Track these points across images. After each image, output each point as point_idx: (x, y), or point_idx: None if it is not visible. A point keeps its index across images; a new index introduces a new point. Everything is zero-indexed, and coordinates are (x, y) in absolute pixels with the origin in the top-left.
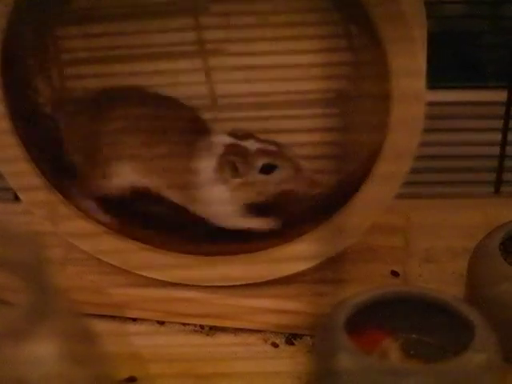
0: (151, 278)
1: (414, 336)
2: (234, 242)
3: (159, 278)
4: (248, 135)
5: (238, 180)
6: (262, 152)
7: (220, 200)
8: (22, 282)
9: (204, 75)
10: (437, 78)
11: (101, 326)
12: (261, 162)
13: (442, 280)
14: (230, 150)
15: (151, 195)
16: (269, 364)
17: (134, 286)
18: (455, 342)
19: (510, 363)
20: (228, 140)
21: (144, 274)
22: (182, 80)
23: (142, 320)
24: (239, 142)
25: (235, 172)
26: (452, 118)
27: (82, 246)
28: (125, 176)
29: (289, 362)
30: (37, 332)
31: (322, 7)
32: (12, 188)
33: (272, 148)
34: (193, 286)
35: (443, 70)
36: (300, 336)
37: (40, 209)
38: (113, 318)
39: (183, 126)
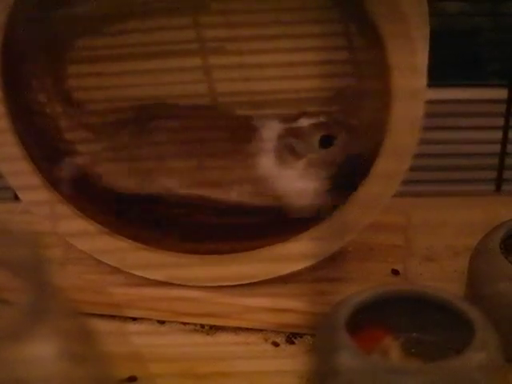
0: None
1: (414, 335)
2: (233, 241)
3: (158, 278)
4: (297, 115)
5: (301, 161)
6: (315, 126)
7: (292, 186)
8: (21, 281)
9: (204, 73)
10: (437, 75)
11: (101, 325)
12: (317, 136)
13: (442, 278)
14: (284, 134)
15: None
16: (269, 363)
17: (133, 285)
18: (456, 341)
19: (511, 362)
20: (279, 126)
21: (142, 274)
22: (183, 78)
23: (142, 319)
24: (291, 125)
25: (296, 154)
26: (452, 116)
27: (81, 246)
28: (172, 189)
29: (289, 361)
30: (36, 332)
31: (322, 5)
32: (12, 187)
33: (324, 119)
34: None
35: (443, 67)
36: (300, 335)
37: (40, 208)
38: (113, 317)
39: (231, 131)
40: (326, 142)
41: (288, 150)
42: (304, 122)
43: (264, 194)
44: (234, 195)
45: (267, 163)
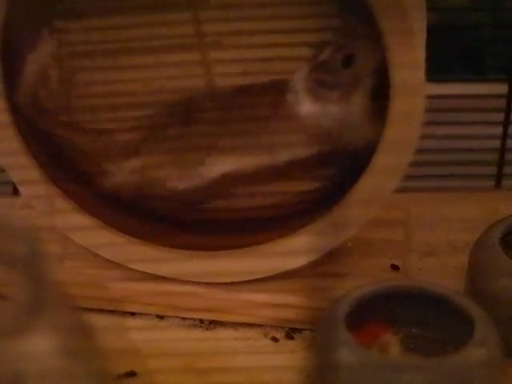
0: (149, 272)
1: (414, 330)
2: (233, 236)
3: (157, 273)
4: (320, 49)
5: (334, 92)
6: (335, 51)
7: (336, 120)
8: (19, 276)
9: (203, 68)
10: (437, 70)
11: (99, 320)
12: (339, 60)
13: (442, 274)
14: (311, 72)
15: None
16: (268, 358)
17: (132, 280)
18: (455, 337)
19: (511, 358)
20: (306, 69)
21: (142, 269)
22: (181, 73)
23: (141, 314)
24: (314, 61)
25: (326, 86)
26: (452, 111)
27: (80, 241)
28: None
29: (289, 356)
30: (34, 327)
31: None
32: (11, 181)
33: (342, 41)
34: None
35: (444, 62)
36: (300, 330)
37: (39, 203)
38: (111, 312)
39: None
40: (348, 60)
41: (318, 85)
42: (324, 55)
43: (312, 138)
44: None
45: (306, 106)
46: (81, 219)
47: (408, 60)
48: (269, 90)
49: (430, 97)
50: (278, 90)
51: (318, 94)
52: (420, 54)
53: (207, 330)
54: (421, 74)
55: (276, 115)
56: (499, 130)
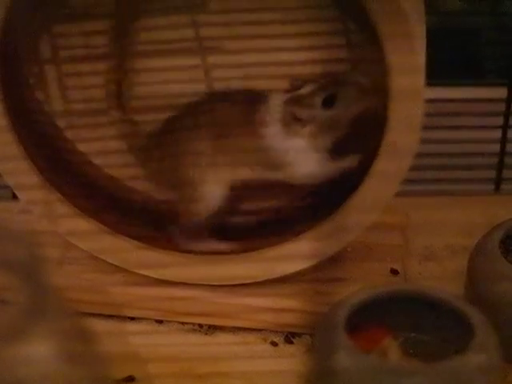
0: (149, 277)
1: (413, 335)
2: (234, 241)
3: (157, 276)
4: (301, 84)
5: (308, 127)
6: (317, 89)
7: (300, 153)
8: (18, 280)
9: (202, 72)
10: (436, 74)
11: (99, 325)
12: (319, 98)
13: (441, 278)
14: (288, 103)
15: None
16: (268, 363)
17: (132, 284)
18: (455, 341)
19: (510, 363)
20: (283, 97)
21: (142, 272)
22: (179, 77)
23: (141, 319)
24: (294, 93)
25: (301, 121)
26: (452, 115)
27: (80, 245)
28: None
29: (288, 360)
30: (34, 331)
31: (320, 4)
32: (10, 186)
33: (324, 81)
34: (191, 284)
35: (443, 66)
36: (299, 335)
37: (38, 207)
38: (111, 317)
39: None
40: (328, 101)
41: (292, 117)
42: (305, 90)
43: (272, 166)
44: (245, 173)
45: (274, 133)
46: (81, 223)
47: (407, 65)
48: (243, 101)
49: (430, 101)
50: (252, 103)
51: (288, 126)
52: (420, 58)
53: (206, 334)
54: (421, 78)
55: (244, 129)
56: (498, 134)
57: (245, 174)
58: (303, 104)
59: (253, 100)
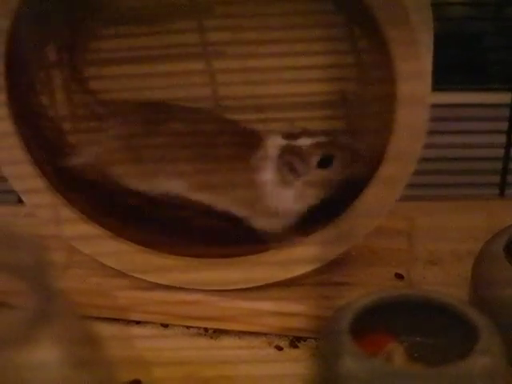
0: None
1: (418, 339)
2: (237, 245)
3: (162, 282)
4: (300, 133)
5: (299, 181)
6: (316, 146)
7: (285, 205)
8: (25, 285)
9: (208, 77)
10: (440, 80)
11: (104, 329)
12: (317, 156)
13: (446, 283)
14: (285, 151)
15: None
16: (273, 367)
17: (137, 288)
18: (460, 345)
19: None
20: (281, 142)
21: (147, 278)
22: (185, 82)
23: (146, 323)
24: (293, 142)
25: (295, 173)
26: (456, 120)
27: (85, 250)
28: (172, 189)
29: (293, 365)
30: (40, 336)
31: (326, 9)
32: (15, 190)
33: (324, 139)
34: (196, 288)
35: (447, 71)
36: (304, 339)
37: (43, 211)
38: (116, 320)
39: (233, 139)
40: (324, 162)
41: (287, 167)
42: (304, 142)
43: (257, 208)
44: (229, 203)
45: (266, 179)
46: (86, 228)
47: (413, 71)
48: (243, 137)
49: (434, 106)
50: (250, 141)
51: (282, 175)
52: (426, 65)
53: (211, 338)
54: (426, 85)
55: (237, 158)
56: (503, 139)
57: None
58: (300, 157)
59: (251, 137)
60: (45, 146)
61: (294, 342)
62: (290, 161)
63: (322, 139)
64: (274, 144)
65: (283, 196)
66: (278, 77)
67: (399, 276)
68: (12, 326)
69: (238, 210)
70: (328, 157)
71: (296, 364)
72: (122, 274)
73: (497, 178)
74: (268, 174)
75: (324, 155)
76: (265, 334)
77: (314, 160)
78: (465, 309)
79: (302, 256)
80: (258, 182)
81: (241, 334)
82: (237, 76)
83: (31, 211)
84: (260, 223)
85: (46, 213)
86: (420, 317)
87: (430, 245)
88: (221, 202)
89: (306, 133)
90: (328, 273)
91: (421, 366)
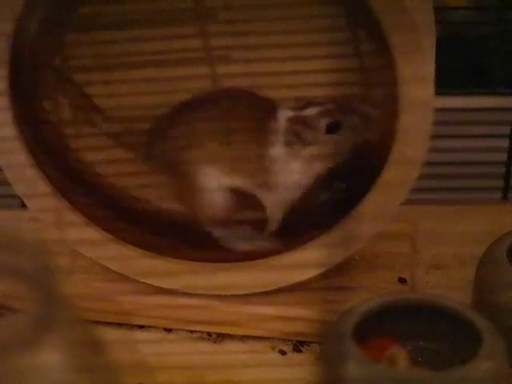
0: (158, 285)
1: (421, 343)
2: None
3: (166, 286)
4: (307, 104)
5: (308, 149)
6: (323, 113)
7: (295, 176)
8: (28, 289)
9: (211, 82)
10: (443, 84)
11: (108, 333)
12: (324, 122)
13: (449, 287)
14: (293, 122)
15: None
16: (276, 371)
17: (141, 293)
18: (463, 349)
19: None
20: (289, 114)
21: (150, 282)
22: (188, 87)
23: (149, 327)
24: (300, 113)
25: (302, 141)
26: (459, 124)
27: (88, 254)
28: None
29: (296, 369)
30: (44, 340)
31: (330, 13)
32: (19, 195)
33: (332, 106)
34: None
35: (450, 75)
36: (308, 343)
37: (47, 216)
38: (120, 325)
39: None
40: (332, 127)
41: (295, 136)
42: (311, 111)
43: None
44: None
45: (277, 154)
46: (89, 232)
47: (417, 75)
48: (254, 106)
49: (437, 110)
50: (262, 113)
51: (290, 145)
52: (429, 69)
53: (215, 342)
54: (430, 89)
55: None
56: (506, 143)
57: (236, 182)
58: (308, 125)
59: (263, 108)
60: (48, 151)
61: (298, 346)
62: (297, 130)
63: (329, 106)
64: (285, 117)
65: (292, 168)
66: (282, 81)
67: (402, 280)
68: (16, 331)
69: (248, 186)
70: (336, 122)
71: (299, 368)
72: (125, 279)
73: (500, 182)
74: (277, 148)
75: (331, 120)
76: (268, 339)
77: (322, 125)
78: (468, 313)
79: (306, 261)
80: (268, 156)
81: (244, 338)
82: (240, 81)
83: (34, 215)
84: (269, 199)
85: (49, 217)
86: (423, 321)
87: (433, 249)
88: (231, 177)
89: (312, 103)
90: (331, 277)
91: (424, 371)
